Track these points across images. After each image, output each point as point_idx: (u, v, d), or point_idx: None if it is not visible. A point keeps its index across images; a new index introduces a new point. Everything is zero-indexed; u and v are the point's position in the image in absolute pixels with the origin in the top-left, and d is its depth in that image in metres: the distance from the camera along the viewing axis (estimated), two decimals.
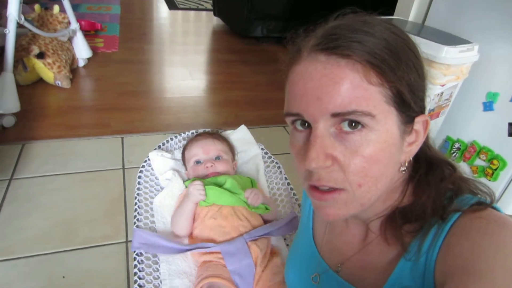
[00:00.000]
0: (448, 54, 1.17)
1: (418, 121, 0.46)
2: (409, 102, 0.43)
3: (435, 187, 0.48)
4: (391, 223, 0.50)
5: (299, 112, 0.45)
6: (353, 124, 0.42)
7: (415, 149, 0.47)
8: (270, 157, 1.34)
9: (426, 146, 0.52)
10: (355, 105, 0.41)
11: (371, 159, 0.43)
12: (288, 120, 0.48)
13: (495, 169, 1.28)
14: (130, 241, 1.17)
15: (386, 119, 0.42)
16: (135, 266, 0.93)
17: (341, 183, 0.44)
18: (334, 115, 0.42)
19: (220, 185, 1.07)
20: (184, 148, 1.23)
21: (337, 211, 0.46)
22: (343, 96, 0.41)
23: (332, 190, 0.45)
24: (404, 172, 0.48)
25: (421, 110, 0.47)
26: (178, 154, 1.30)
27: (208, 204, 1.04)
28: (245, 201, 1.04)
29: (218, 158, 1.17)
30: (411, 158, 0.48)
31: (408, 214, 0.49)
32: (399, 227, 0.49)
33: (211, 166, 1.13)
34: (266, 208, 1.08)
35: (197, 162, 1.16)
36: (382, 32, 0.43)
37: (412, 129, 0.46)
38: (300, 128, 0.46)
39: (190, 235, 1.05)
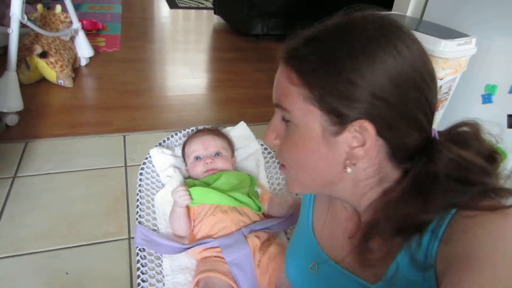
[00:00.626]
0: (446, 47, 1.17)
1: (358, 126, 0.46)
2: (332, 106, 0.46)
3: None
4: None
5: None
6: None
7: (361, 153, 0.47)
8: (269, 153, 1.35)
9: (431, 163, 0.47)
10: (279, 100, 0.51)
11: (291, 147, 0.51)
12: None
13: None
14: (133, 238, 1.18)
15: (306, 116, 0.48)
16: (138, 261, 0.94)
17: (282, 159, 0.54)
18: (275, 105, 0.52)
19: (209, 184, 1.07)
20: (184, 144, 1.24)
21: (291, 185, 0.57)
22: (276, 92, 0.52)
23: (282, 165, 0.56)
24: (349, 172, 0.49)
25: (360, 117, 0.45)
26: (178, 151, 1.30)
27: (197, 204, 1.04)
28: (236, 198, 1.03)
29: (217, 154, 1.17)
30: (356, 162, 0.48)
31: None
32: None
33: (211, 162, 1.14)
34: (259, 208, 1.08)
35: (197, 158, 1.16)
36: (327, 40, 0.46)
37: (345, 131, 0.46)
38: None
39: (191, 235, 1.06)
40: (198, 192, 1.03)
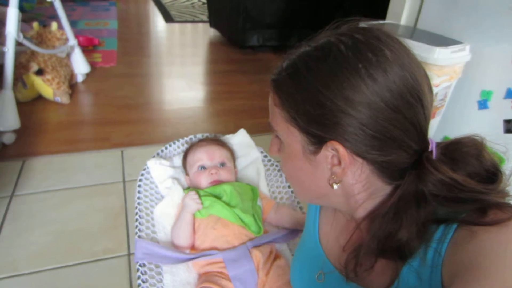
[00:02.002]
0: (440, 55, 1.18)
1: (331, 146, 0.47)
2: (306, 127, 0.48)
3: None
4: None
5: None
6: None
7: (339, 171, 0.48)
8: (270, 160, 1.34)
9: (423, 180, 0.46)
10: (270, 120, 0.55)
11: (282, 162, 0.56)
12: None
13: None
14: (133, 253, 1.17)
15: (288, 135, 0.51)
16: (139, 277, 0.92)
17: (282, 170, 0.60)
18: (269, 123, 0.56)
19: (216, 197, 1.06)
20: (187, 153, 1.21)
21: (296, 195, 0.62)
22: (269, 112, 0.55)
23: None
24: (335, 188, 0.50)
25: (332, 138, 0.46)
26: (176, 161, 1.28)
27: (203, 216, 1.03)
28: (240, 217, 1.03)
29: (222, 164, 1.16)
30: (340, 179, 0.49)
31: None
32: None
33: (216, 172, 1.12)
34: (259, 230, 1.06)
35: (201, 167, 1.15)
36: (302, 64, 0.48)
37: (322, 151, 0.48)
38: None
39: (192, 247, 1.05)
40: (209, 201, 1.03)
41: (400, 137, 0.45)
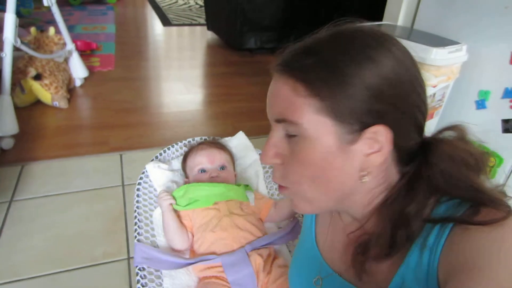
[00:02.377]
0: (437, 55, 1.19)
1: (374, 131, 0.46)
2: (345, 114, 0.45)
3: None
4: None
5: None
6: None
7: (377, 159, 0.47)
8: None
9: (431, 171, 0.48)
10: (285, 114, 0.48)
11: (303, 162, 0.48)
12: None
13: (492, 167, 1.29)
14: (132, 257, 1.17)
15: (317, 128, 0.46)
16: (138, 281, 0.92)
17: (283, 181, 0.52)
18: (277, 120, 0.50)
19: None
20: (186, 156, 1.22)
21: (298, 205, 0.53)
22: (277, 106, 0.49)
23: (281, 186, 0.53)
24: (365, 181, 0.48)
25: (378, 121, 0.46)
26: (175, 164, 1.29)
27: (185, 207, 1.04)
28: (215, 192, 1.05)
29: (222, 168, 1.16)
30: (373, 170, 0.48)
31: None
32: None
33: (216, 175, 1.13)
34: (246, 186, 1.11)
35: (202, 170, 1.15)
36: (328, 48, 0.47)
37: (362, 138, 0.46)
38: None
39: (191, 250, 1.05)
40: (183, 190, 1.05)
41: (419, 119, 0.49)
